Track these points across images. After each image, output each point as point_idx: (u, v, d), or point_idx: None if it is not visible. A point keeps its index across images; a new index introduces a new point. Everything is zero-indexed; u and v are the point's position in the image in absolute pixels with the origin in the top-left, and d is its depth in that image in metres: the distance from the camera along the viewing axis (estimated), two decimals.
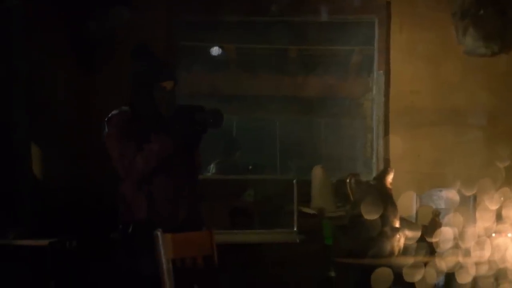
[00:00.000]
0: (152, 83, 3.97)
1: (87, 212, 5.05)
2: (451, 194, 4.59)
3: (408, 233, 4.16)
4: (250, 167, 6.35)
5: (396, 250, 3.99)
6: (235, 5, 5.84)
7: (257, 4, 5.83)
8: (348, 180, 4.42)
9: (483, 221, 3.75)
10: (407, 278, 3.55)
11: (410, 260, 3.90)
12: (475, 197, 4.35)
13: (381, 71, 5.85)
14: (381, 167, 5.63)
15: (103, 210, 4.47)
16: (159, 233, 3.27)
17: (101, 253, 4.68)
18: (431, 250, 3.92)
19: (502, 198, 3.74)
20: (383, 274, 3.61)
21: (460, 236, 3.80)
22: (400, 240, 4.03)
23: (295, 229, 5.10)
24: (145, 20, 5.59)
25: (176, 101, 4.33)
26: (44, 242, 4.74)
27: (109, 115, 3.93)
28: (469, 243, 3.72)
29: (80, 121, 5.25)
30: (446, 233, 3.85)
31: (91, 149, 4.44)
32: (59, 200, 5.13)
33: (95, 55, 5.60)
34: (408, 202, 4.72)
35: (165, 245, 3.26)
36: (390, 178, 4.19)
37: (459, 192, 4.59)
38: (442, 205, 4.64)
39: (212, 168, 6.21)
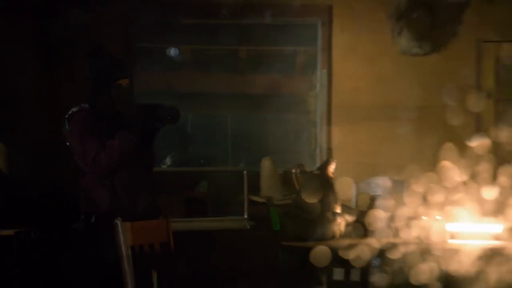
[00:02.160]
0: (108, 80, 3.97)
1: (51, 203, 5.02)
2: (386, 182, 4.74)
3: (348, 217, 4.22)
4: (202, 160, 6.30)
5: (338, 233, 4.07)
6: (189, 9, 5.88)
7: (209, 8, 5.85)
8: (293, 171, 4.52)
9: (412, 204, 3.84)
10: (344, 256, 3.65)
11: (349, 241, 3.95)
12: (406, 183, 4.42)
13: (324, 70, 5.95)
14: (324, 158, 5.68)
15: (66, 201, 4.47)
16: (118, 222, 3.26)
17: (64, 242, 4.68)
18: (367, 232, 3.99)
19: (429, 184, 3.84)
20: (322, 253, 3.68)
21: (391, 218, 3.89)
22: (341, 223, 4.11)
23: (245, 217, 5.16)
24: (104, 22, 5.57)
25: (134, 98, 4.32)
26: (10, 232, 4.74)
27: (69, 112, 3.93)
28: (400, 224, 3.81)
29: (44, 117, 5.23)
30: (379, 216, 3.92)
31: (54, 144, 4.39)
32: (24, 193, 5.09)
33: (57, 54, 5.56)
34: (348, 190, 4.82)
35: (124, 233, 3.25)
36: (332, 168, 4.27)
37: (392, 179, 4.75)
38: (378, 191, 4.76)
39: (168, 161, 6.21)
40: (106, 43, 4.35)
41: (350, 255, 3.65)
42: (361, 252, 3.63)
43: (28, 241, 4.85)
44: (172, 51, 6.33)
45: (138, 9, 5.86)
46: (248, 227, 5.10)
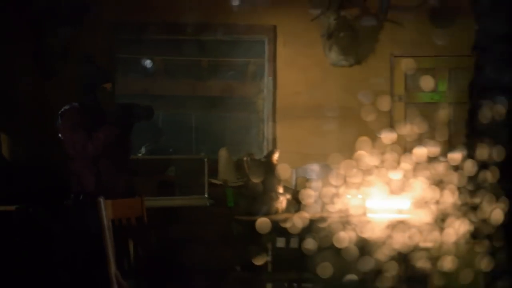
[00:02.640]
0: (94, 84, 4.00)
1: (45, 184, 4.90)
2: (317, 167, 4.79)
3: (288, 196, 4.25)
4: (171, 149, 6.31)
5: (280, 208, 4.09)
6: (161, 27, 5.84)
7: (176, 26, 5.82)
8: (245, 158, 4.54)
9: (337, 184, 3.86)
10: (283, 225, 3.72)
11: (288, 215, 4.00)
12: (332, 168, 4.49)
13: (270, 77, 5.96)
14: (270, 149, 5.67)
15: (58, 183, 4.44)
16: (101, 199, 3.25)
17: (57, 216, 4.61)
18: (302, 207, 4.03)
19: (350, 168, 3.88)
20: (265, 224, 3.72)
21: (321, 196, 3.95)
22: (282, 201, 4.13)
23: (206, 196, 5.16)
24: (91, 36, 5.54)
25: (116, 99, 4.36)
26: (11, 207, 4.70)
27: (62, 109, 3.98)
28: (327, 200, 3.85)
29: (40, 114, 5.18)
30: (311, 195, 3.98)
31: (48, 135, 4.31)
32: (23, 175, 5.02)
33: (51, 64, 5.53)
34: (288, 174, 4.79)
35: (106, 209, 3.25)
36: (276, 156, 4.30)
37: (322, 165, 4.80)
38: (313, 176, 4.77)
39: (143, 150, 6.19)
40: (92, 54, 4.36)
41: (288, 225, 3.68)
42: (296, 223, 3.66)
43: (26, 216, 4.78)
44: (147, 62, 6.31)
45: (119, 27, 5.83)
46: (208, 204, 5.10)
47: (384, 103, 5.62)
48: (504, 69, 2.61)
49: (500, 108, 2.56)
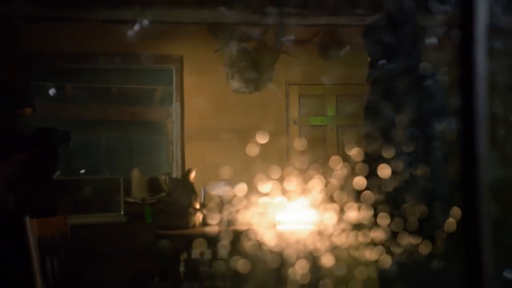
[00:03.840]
0: (12, 109, 3.92)
1: None
2: (225, 184, 4.86)
3: (204, 211, 4.23)
4: (83, 170, 6.25)
5: (197, 222, 4.07)
6: (75, 56, 5.83)
7: (88, 55, 5.82)
8: (163, 177, 4.57)
9: (244, 199, 3.92)
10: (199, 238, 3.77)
11: (203, 228, 4.02)
12: (238, 184, 4.43)
13: (178, 103, 6.01)
14: (179, 169, 5.76)
15: None
16: (27, 219, 3.20)
17: None
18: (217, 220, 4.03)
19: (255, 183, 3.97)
20: (182, 237, 3.81)
21: (230, 211, 4.01)
22: (199, 216, 4.12)
23: (122, 213, 5.16)
24: (10, 64, 5.48)
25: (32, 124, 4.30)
26: None
27: None
28: (235, 214, 3.92)
29: None
30: (220, 209, 4.03)
31: None
32: None
33: None
34: (199, 191, 4.83)
35: (32, 228, 3.20)
36: (193, 175, 4.27)
37: (229, 182, 4.76)
38: (220, 192, 4.72)
39: (57, 172, 6.12)
40: (11, 82, 4.30)
41: (199, 243, 3.72)
42: (210, 236, 3.71)
43: None
44: (52, 89, 6.22)
45: (33, 56, 5.76)
46: (124, 220, 5.10)
47: (281, 126, 5.91)
48: (394, 94, 2.69)
49: (393, 129, 2.63)
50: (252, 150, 5.30)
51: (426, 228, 2.54)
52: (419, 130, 2.59)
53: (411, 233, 2.52)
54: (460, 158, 0.71)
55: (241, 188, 4.15)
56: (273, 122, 5.81)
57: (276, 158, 5.43)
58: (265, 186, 3.95)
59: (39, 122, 4.27)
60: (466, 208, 0.73)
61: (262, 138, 5.35)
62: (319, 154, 5.90)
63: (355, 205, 2.81)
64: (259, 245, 3.54)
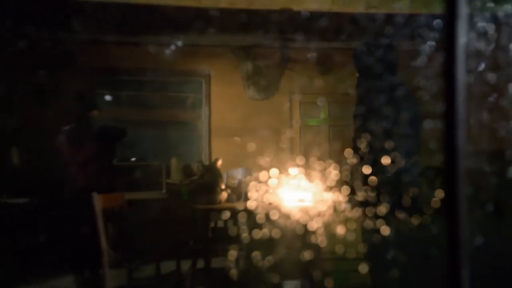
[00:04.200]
0: (85, 112, 4.00)
1: (49, 184, 4.75)
2: (243, 170, 4.86)
3: (228, 190, 4.12)
4: (134, 158, 6.27)
5: (222, 199, 3.98)
6: (129, 71, 5.91)
7: (140, 70, 5.82)
8: (197, 164, 4.53)
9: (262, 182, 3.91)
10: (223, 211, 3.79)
11: (227, 204, 3.96)
12: (253, 171, 4.50)
13: (206, 107, 6.02)
14: (207, 158, 5.75)
15: (58, 182, 4.30)
16: (94, 194, 3.27)
17: (58, 208, 4.51)
18: (238, 199, 4.02)
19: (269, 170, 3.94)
20: (211, 210, 3.81)
21: (246, 190, 3.94)
22: (224, 194, 4.03)
23: (163, 191, 5.21)
24: (81, 77, 5.47)
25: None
26: (24, 199, 4.70)
27: (62, 130, 3.95)
28: (255, 194, 3.90)
29: (46, 133, 5.01)
30: (242, 190, 3.97)
31: (52, 148, 4.10)
32: (31, 178, 4.92)
33: (50, 97, 5.43)
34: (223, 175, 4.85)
35: (97, 201, 3.24)
36: (219, 163, 4.16)
37: (246, 169, 4.85)
38: (239, 176, 4.72)
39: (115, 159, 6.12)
40: (84, 91, 4.32)
41: (227, 211, 3.73)
42: (231, 210, 3.70)
43: (34, 206, 4.73)
44: (108, 96, 6.21)
45: (102, 71, 5.79)
46: (165, 197, 5.13)
47: (285, 126, 5.89)
48: (377, 102, 2.66)
49: (376, 127, 2.61)
50: (263, 143, 5.37)
51: (417, 205, 2.52)
52: (399, 131, 2.57)
53: (405, 208, 2.50)
54: (444, 151, 0.70)
55: (255, 173, 4.09)
56: (280, 122, 5.88)
57: (281, 149, 5.43)
58: (273, 170, 3.90)
59: (103, 121, 4.31)
60: (447, 190, 0.73)
61: (271, 134, 5.36)
62: (315, 147, 5.89)
63: (361, 186, 2.75)
64: (269, 216, 3.47)
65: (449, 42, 0.66)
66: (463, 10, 0.65)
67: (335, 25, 4.58)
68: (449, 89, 0.67)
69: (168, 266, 3.48)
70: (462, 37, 0.65)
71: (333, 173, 3.48)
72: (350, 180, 2.90)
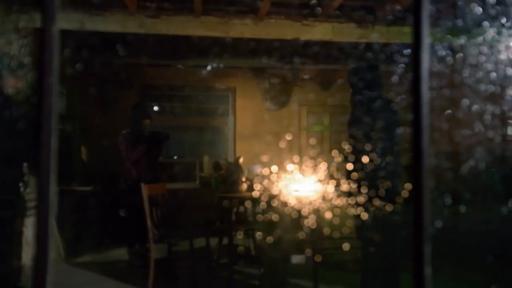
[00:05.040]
0: (140, 120, 4.01)
1: (107, 175, 4.86)
2: (260, 167, 4.83)
3: (248, 182, 4.00)
4: (176, 157, 6.37)
5: (244, 189, 3.88)
6: (169, 87, 5.97)
7: (178, 87, 5.84)
8: (223, 161, 4.50)
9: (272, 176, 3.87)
10: (244, 199, 3.68)
11: (247, 193, 3.84)
12: (268, 168, 4.33)
13: (232, 115, 5.99)
14: (232, 156, 5.70)
15: (115, 174, 4.41)
16: (142, 184, 3.26)
17: (115, 194, 4.54)
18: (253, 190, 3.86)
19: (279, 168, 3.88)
20: (234, 198, 3.63)
21: (263, 183, 3.90)
22: (244, 185, 3.92)
23: (197, 182, 5.22)
24: (135, 93, 5.49)
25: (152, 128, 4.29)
26: (88, 188, 4.71)
27: (121, 132, 3.96)
28: (267, 186, 3.83)
29: (107, 136, 5.08)
30: (257, 182, 3.90)
31: (113, 147, 4.16)
32: (95, 171, 4.98)
33: (110, 105, 5.48)
34: (245, 170, 4.83)
35: (144, 189, 3.23)
36: (241, 160, 4.06)
37: (263, 166, 4.80)
38: (257, 171, 4.77)
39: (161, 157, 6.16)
40: (140, 103, 4.35)
41: (247, 199, 3.64)
42: (251, 198, 3.59)
43: (97, 193, 4.76)
44: (156, 107, 6.24)
45: (146, 87, 5.77)
46: (199, 186, 5.13)
47: (296, 131, 5.86)
48: (364, 111, 2.63)
49: (359, 133, 2.57)
50: (278, 145, 5.40)
51: (390, 195, 2.51)
52: (384, 135, 2.55)
53: (380, 198, 2.48)
54: (412, 152, 0.70)
55: (272, 169, 4.08)
56: (291, 128, 5.84)
57: (293, 150, 5.41)
58: (287, 167, 3.86)
59: (152, 127, 4.36)
60: (414, 183, 0.73)
61: (283, 138, 5.35)
62: (319, 148, 5.85)
63: (347, 180, 2.75)
64: (283, 204, 3.44)
65: (416, 65, 0.67)
66: (426, 41, 0.65)
67: (334, 51, 4.54)
68: (416, 102, 0.67)
69: (199, 242, 3.46)
70: (426, 62, 0.66)
71: (324, 169, 3.44)
72: (337, 175, 2.86)
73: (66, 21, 3.59)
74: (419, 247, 0.67)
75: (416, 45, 0.68)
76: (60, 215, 3.42)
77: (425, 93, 0.70)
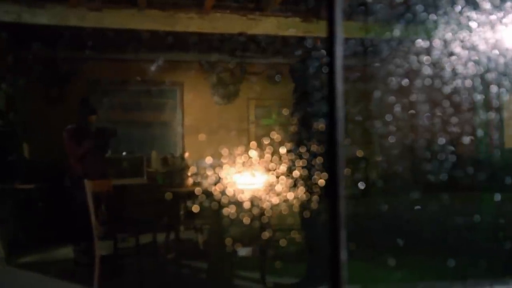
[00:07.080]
0: (86, 115, 3.89)
1: (52, 171, 4.60)
2: (207, 161, 4.80)
3: (193, 177, 4.19)
4: (124, 153, 6.15)
5: (189, 183, 3.91)
6: (118, 82, 5.80)
7: (127, 83, 5.69)
8: (169, 156, 4.49)
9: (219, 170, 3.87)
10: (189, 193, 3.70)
11: (192, 187, 3.85)
12: (216, 161, 4.30)
13: (180, 109, 5.94)
14: (180, 151, 5.63)
15: (60, 170, 4.25)
16: (86, 180, 3.20)
17: (59, 192, 4.33)
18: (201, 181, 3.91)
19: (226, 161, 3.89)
20: (179, 192, 3.73)
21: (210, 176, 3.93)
22: (190, 180, 3.94)
23: (144, 177, 5.06)
24: (81, 87, 5.31)
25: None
26: (31, 186, 4.53)
27: (65, 128, 3.85)
28: (212, 180, 3.80)
29: (52, 132, 4.70)
30: (205, 175, 3.90)
31: (56, 143, 3.97)
32: (39, 168, 4.77)
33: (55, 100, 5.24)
34: (192, 164, 4.79)
35: (88, 186, 3.17)
36: (187, 155, 4.22)
37: (212, 159, 4.81)
38: (205, 165, 4.55)
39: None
40: (86, 97, 4.21)
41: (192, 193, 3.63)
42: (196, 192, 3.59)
43: (40, 191, 4.58)
44: (105, 100, 6.03)
45: (98, 82, 5.56)
46: (146, 182, 5.01)
47: (244, 125, 5.90)
48: (307, 102, 2.72)
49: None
50: (227, 139, 5.37)
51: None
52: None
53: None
54: (327, 144, 0.71)
55: (220, 162, 4.06)
56: (239, 122, 5.86)
57: (240, 144, 5.41)
58: (235, 161, 3.85)
59: (100, 122, 4.21)
60: (330, 172, 0.74)
61: (232, 131, 5.36)
62: (268, 141, 5.91)
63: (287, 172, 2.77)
64: (230, 197, 3.44)
65: (330, 59, 0.69)
66: (340, 35, 0.67)
67: (279, 45, 4.62)
68: (330, 95, 0.69)
69: (146, 238, 3.40)
70: (339, 56, 0.67)
71: (271, 161, 3.49)
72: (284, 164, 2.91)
73: (2, 13, 3.39)
74: (336, 233, 0.69)
75: (330, 39, 0.70)
76: None
77: (339, 86, 0.72)
